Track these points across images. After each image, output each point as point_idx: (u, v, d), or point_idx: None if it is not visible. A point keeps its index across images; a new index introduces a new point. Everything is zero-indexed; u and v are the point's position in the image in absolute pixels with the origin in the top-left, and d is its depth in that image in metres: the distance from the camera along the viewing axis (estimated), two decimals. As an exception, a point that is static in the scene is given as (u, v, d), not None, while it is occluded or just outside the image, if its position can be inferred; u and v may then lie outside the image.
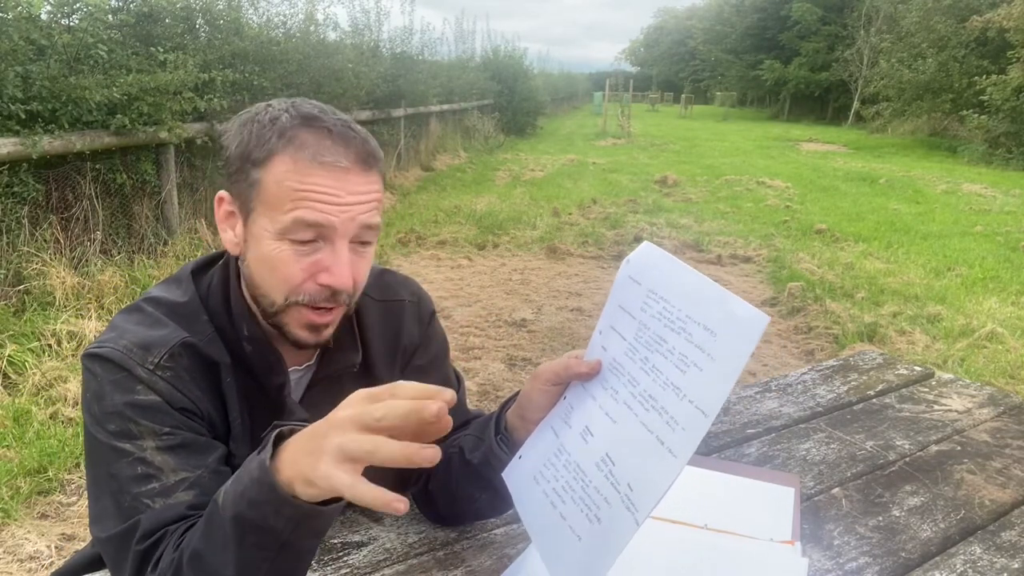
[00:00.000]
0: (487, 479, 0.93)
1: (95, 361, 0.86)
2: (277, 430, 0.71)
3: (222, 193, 0.91)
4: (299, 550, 0.72)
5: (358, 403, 0.66)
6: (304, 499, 0.67)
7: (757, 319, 0.66)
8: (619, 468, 0.72)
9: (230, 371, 0.91)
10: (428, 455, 0.62)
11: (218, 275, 0.95)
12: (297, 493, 0.67)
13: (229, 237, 0.90)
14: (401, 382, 0.66)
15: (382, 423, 0.63)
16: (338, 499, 0.68)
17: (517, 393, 0.92)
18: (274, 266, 0.85)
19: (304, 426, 0.71)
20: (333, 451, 0.63)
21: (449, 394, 0.65)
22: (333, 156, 0.83)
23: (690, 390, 0.68)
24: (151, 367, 0.85)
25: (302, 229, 0.83)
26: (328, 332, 0.91)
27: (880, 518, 1.09)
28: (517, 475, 0.86)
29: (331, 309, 0.88)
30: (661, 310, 0.75)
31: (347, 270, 0.85)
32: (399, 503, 0.61)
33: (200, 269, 0.98)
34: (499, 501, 0.96)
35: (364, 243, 0.88)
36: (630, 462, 0.71)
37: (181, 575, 0.73)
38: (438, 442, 0.65)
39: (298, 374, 0.99)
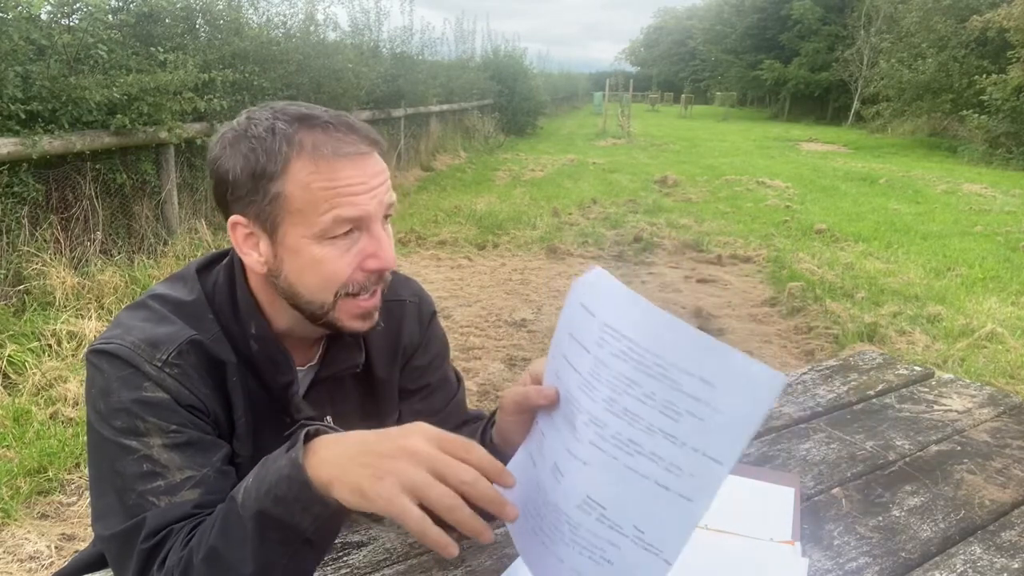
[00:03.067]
0: None
1: (102, 357, 0.85)
2: (305, 429, 0.72)
3: (235, 218, 0.88)
4: (318, 548, 0.73)
5: (431, 442, 0.67)
6: (339, 501, 0.68)
7: (774, 378, 0.61)
8: (611, 511, 0.68)
9: (235, 370, 0.91)
10: (490, 537, 0.66)
11: (223, 273, 0.94)
12: (335, 495, 0.67)
13: (254, 259, 0.89)
14: (476, 444, 0.68)
15: (460, 487, 0.65)
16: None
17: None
18: (321, 269, 0.85)
19: (327, 427, 0.72)
20: (405, 480, 0.65)
21: (512, 479, 0.68)
22: (351, 146, 0.84)
23: (690, 438, 0.64)
24: (159, 364, 0.84)
25: (343, 225, 0.84)
26: (376, 315, 0.93)
27: (880, 518, 1.09)
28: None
29: (376, 292, 0.91)
30: (624, 349, 0.67)
31: (391, 250, 0.88)
32: (454, 548, 0.65)
33: (205, 267, 0.97)
34: None
35: (386, 219, 0.90)
36: (625, 506, 0.68)
37: (191, 573, 0.73)
38: None
39: (300, 374, 0.99)
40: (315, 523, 0.69)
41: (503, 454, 0.88)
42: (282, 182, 0.83)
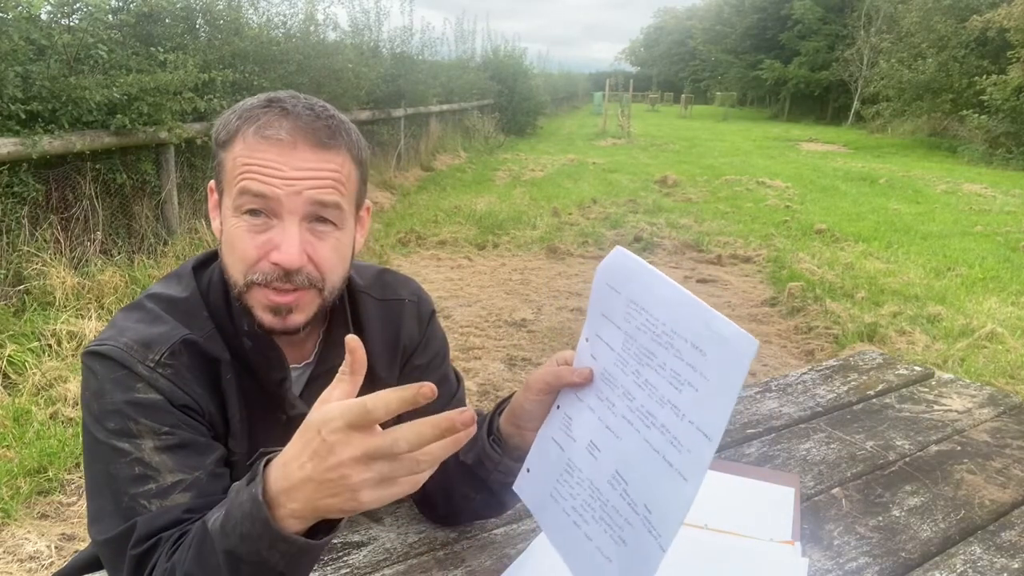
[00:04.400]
0: (481, 479, 0.94)
1: (95, 359, 0.85)
2: (265, 458, 0.70)
3: (211, 183, 0.93)
4: None
5: (349, 432, 0.62)
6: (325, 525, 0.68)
7: (747, 342, 0.63)
8: (632, 488, 0.71)
9: (229, 368, 0.91)
10: (471, 416, 0.65)
11: (218, 271, 0.94)
12: (323, 517, 0.67)
13: (216, 225, 0.92)
14: (374, 397, 0.63)
15: (417, 448, 0.64)
16: (332, 530, 0.70)
17: (511, 395, 0.92)
18: (232, 244, 0.86)
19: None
20: (375, 481, 0.63)
21: (432, 390, 0.63)
22: (276, 130, 0.83)
23: (688, 410, 0.66)
24: (152, 364, 0.84)
25: (248, 200, 0.83)
26: (296, 318, 0.87)
27: (880, 518, 1.09)
28: (530, 490, 0.85)
29: (291, 291, 0.85)
30: (644, 322, 0.72)
31: (294, 247, 0.83)
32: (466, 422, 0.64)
33: (201, 265, 0.97)
34: (495, 502, 0.97)
35: (323, 222, 0.86)
36: (642, 482, 0.70)
37: None
38: None
39: (297, 372, 0.98)
40: (284, 559, 0.68)
41: (508, 446, 0.90)
42: (226, 152, 0.86)
